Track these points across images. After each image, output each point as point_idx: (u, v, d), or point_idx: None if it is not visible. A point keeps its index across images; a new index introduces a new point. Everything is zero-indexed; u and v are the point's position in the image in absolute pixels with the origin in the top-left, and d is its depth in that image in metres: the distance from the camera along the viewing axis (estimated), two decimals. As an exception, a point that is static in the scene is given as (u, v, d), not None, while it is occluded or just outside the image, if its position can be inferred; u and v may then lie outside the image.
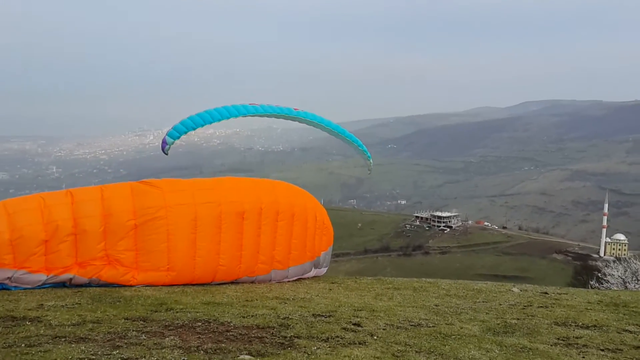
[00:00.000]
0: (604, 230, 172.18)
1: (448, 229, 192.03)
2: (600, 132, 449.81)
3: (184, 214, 11.94)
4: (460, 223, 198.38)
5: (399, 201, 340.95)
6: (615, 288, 34.00)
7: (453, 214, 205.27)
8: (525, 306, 10.71)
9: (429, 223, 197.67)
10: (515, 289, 12.93)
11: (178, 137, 13.46)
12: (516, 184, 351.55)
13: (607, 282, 35.00)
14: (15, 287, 10.56)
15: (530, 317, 9.54)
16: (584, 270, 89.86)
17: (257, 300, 10.10)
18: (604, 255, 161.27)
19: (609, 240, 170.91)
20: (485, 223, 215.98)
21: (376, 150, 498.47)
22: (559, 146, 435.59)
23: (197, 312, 8.53)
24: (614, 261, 42.55)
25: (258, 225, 12.95)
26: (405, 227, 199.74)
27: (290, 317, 8.41)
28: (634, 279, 34.65)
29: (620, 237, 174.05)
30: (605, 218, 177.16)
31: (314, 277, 14.66)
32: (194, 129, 13.30)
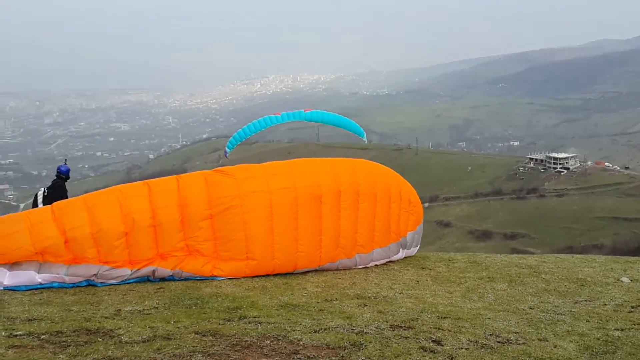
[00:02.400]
0: None
1: (565, 171, 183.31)
2: None
3: (259, 201, 11.70)
4: (579, 164, 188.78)
5: (511, 143, 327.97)
6: None
7: (570, 155, 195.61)
8: (633, 307, 9.56)
9: (544, 165, 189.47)
10: (625, 279, 11.64)
11: (232, 148, 16.38)
12: (639, 121, 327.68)
13: None
14: (101, 283, 10.77)
15: (637, 326, 8.46)
16: None
17: (335, 300, 9.66)
18: None
19: None
20: (606, 164, 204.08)
21: (484, 90, 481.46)
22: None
23: (270, 323, 8.20)
24: None
25: (337, 208, 12.46)
26: (519, 169, 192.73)
27: (365, 331, 7.89)
28: None
29: None
30: None
31: (405, 258, 14.02)
32: (242, 140, 16.01)
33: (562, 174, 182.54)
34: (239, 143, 16.27)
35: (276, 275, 11.74)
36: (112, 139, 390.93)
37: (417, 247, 14.53)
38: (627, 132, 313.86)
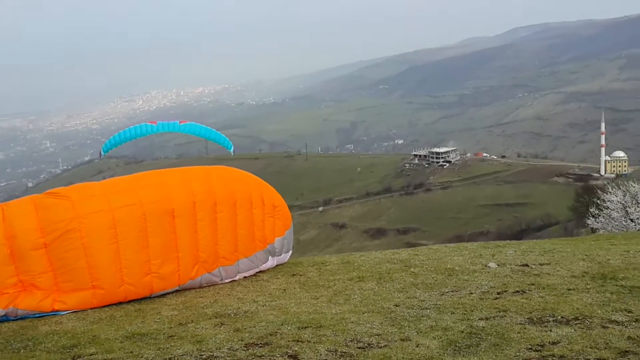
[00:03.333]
0: (603, 149, 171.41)
1: (447, 164, 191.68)
2: (593, 51, 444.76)
3: (99, 222, 10.50)
4: (459, 157, 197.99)
5: (396, 141, 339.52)
6: (616, 214, 33.08)
7: (451, 149, 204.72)
8: (499, 293, 9.43)
9: (428, 160, 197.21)
10: (492, 264, 11.62)
11: (106, 151, 15.99)
12: (511, 112, 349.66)
13: (607, 208, 34.06)
14: None
15: (502, 313, 8.27)
16: (585, 192, 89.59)
17: (190, 323, 8.80)
18: (605, 173, 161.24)
19: (609, 158, 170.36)
20: (484, 154, 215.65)
21: (368, 92, 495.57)
22: (552, 70, 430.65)
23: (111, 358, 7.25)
24: (611, 184, 41.52)
25: (193, 221, 11.53)
26: (405, 166, 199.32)
27: (215, 355, 7.13)
28: (634, 202, 33.72)
29: (620, 154, 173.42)
30: (603, 137, 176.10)
31: (277, 265, 13.36)
32: (117, 144, 15.71)
33: (444, 167, 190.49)
34: (114, 148, 16.07)
35: (130, 302, 10.62)
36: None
37: (289, 253, 13.88)
38: (501, 123, 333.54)
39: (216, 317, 9.03)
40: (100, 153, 16.82)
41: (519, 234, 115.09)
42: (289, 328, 8.09)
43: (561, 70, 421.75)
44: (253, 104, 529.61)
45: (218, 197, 11.98)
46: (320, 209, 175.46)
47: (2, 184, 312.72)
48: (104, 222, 10.52)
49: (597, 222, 33.81)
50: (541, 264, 11.54)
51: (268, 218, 13.08)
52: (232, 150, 17.18)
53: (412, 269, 11.73)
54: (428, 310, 8.61)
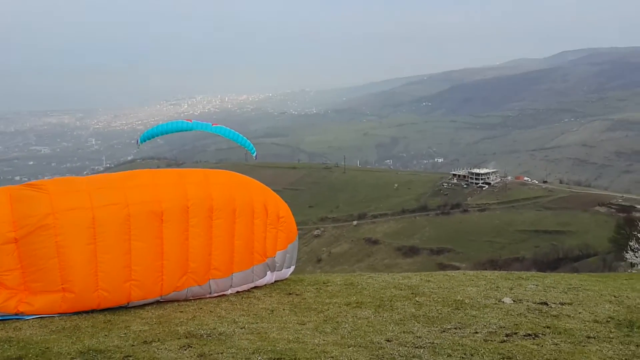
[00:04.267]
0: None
1: (486, 186, 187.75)
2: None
3: (77, 220, 9.63)
4: (499, 179, 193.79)
5: (435, 159, 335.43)
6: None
7: (491, 170, 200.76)
8: (507, 336, 8.26)
9: (467, 180, 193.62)
10: (507, 300, 10.43)
11: (143, 141, 16.49)
12: (556, 137, 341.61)
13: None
14: None
15: (506, 360, 7.15)
16: (627, 224, 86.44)
17: (156, 342, 7.92)
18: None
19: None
20: (525, 178, 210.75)
21: (410, 108, 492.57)
22: (600, 96, 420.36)
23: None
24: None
25: (184, 227, 10.61)
26: (443, 185, 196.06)
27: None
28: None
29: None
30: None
31: (277, 281, 12.40)
32: (154, 136, 16.28)
33: (483, 189, 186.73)
34: (150, 139, 16.66)
35: (103, 310, 9.76)
36: (31, 162, 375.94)
37: (291, 268, 12.90)
38: (545, 147, 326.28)
39: (186, 337, 8.12)
40: (137, 141, 17.32)
41: (555, 263, 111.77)
42: (258, 359, 7.13)
43: (609, 97, 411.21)
44: (295, 114, 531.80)
45: (215, 203, 11.06)
46: (355, 222, 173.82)
47: (46, 178, 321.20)
48: (82, 221, 9.66)
49: (637, 257, 32.07)
50: (562, 304, 10.29)
51: (271, 229, 12.11)
52: (254, 154, 17.54)
53: (417, 298, 10.64)
54: (422, 350, 7.53)
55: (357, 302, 10.36)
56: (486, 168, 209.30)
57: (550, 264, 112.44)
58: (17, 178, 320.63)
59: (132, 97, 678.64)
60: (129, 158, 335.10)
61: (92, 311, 9.68)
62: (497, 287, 11.92)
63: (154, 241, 10.27)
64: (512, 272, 15.59)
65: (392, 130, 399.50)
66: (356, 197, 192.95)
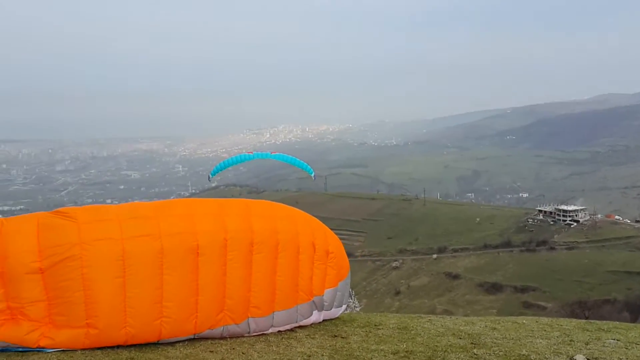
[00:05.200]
0: None
1: (575, 224, 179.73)
2: None
3: (106, 251, 9.09)
4: (588, 217, 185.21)
5: (520, 194, 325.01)
6: None
7: (580, 208, 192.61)
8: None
9: (554, 217, 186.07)
10: (580, 358, 9.06)
11: (215, 174, 18.81)
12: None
13: None
14: None
15: None
16: None
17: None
18: None
19: None
20: (617, 217, 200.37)
21: (493, 141, 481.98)
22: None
23: None
24: None
25: (222, 261, 9.92)
26: (528, 221, 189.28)
27: None
28: None
29: None
30: None
31: (325, 320, 11.48)
32: (225, 167, 18.56)
33: (572, 226, 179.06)
34: (219, 172, 18.75)
35: (131, 346, 9.15)
36: (122, 186, 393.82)
37: (342, 307, 11.92)
38: (637, 185, 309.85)
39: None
40: (208, 176, 19.14)
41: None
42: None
43: None
44: (375, 145, 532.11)
45: (256, 237, 10.32)
46: (435, 256, 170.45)
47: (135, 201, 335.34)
48: (111, 252, 9.13)
49: None
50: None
51: (319, 265, 11.24)
52: (313, 175, 18.63)
53: (476, 350, 9.43)
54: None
55: (406, 351, 9.28)
56: (574, 205, 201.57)
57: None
58: (109, 201, 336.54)
59: (218, 125, 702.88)
60: (213, 185, 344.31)
61: (118, 347, 9.10)
62: (571, 340, 10.52)
63: (188, 276, 9.62)
64: (593, 321, 13.96)
65: (474, 164, 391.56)
66: (436, 230, 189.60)
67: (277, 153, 18.77)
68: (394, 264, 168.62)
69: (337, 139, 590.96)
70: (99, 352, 8.86)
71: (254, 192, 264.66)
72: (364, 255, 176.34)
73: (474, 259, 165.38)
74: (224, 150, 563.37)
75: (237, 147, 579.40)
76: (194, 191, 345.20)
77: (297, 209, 11.87)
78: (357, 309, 27.15)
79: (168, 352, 9.01)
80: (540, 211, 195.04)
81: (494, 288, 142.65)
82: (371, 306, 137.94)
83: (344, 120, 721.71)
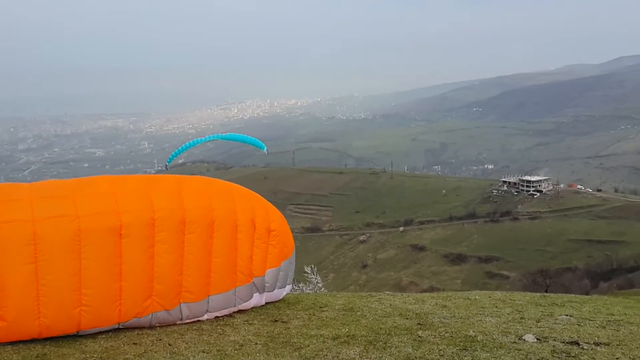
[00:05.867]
0: None
1: (538, 194, 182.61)
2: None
3: (13, 235, 8.19)
4: (551, 187, 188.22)
5: (485, 166, 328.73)
6: None
7: (543, 178, 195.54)
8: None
9: (518, 188, 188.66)
10: (529, 337, 8.61)
11: (170, 161, 19.01)
12: (612, 144, 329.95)
13: None
14: None
15: None
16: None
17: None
18: None
19: None
20: (579, 186, 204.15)
21: (460, 114, 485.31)
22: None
23: None
24: None
25: (149, 243, 9.10)
26: (492, 192, 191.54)
27: None
28: None
29: None
30: None
31: (268, 303, 10.87)
32: (180, 153, 18.19)
33: (535, 196, 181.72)
34: (174, 158, 18.67)
35: (46, 340, 8.36)
36: (86, 164, 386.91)
37: (286, 288, 11.28)
38: (600, 154, 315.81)
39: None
40: (166, 165, 19.57)
41: (609, 273, 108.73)
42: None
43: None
44: (343, 119, 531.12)
45: (189, 215, 9.51)
46: (401, 229, 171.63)
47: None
48: (21, 235, 8.21)
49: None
50: (597, 344, 8.42)
51: (259, 244, 10.53)
52: (265, 150, 18.32)
53: (421, 332, 8.92)
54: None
55: (347, 336, 8.72)
56: (538, 175, 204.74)
57: (603, 274, 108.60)
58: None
59: (183, 102, 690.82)
60: (180, 162, 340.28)
61: (33, 340, 8.31)
62: (522, 317, 10.12)
63: (110, 260, 8.78)
64: (548, 295, 13.68)
65: (442, 136, 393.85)
66: (403, 203, 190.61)
67: (228, 134, 19.51)
68: (361, 238, 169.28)
69: (305, 113, 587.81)
70: (9, 347, 8.05)
71: (222, 168, 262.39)
72: (331, 230, 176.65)
73: (439, 231, 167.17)
74: (190, 126, 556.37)
75: (204, 122, 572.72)
76: (159, 168, 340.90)
77: (236, 185, 11.10)
78: (320, 285, 26.60)
79: (86, 345, 8.27)
80: (504, 182, 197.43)
81: (459, 259, 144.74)
82: (338, 280, 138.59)
83: (313, 94, 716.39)
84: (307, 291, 23.24)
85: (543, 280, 72.03)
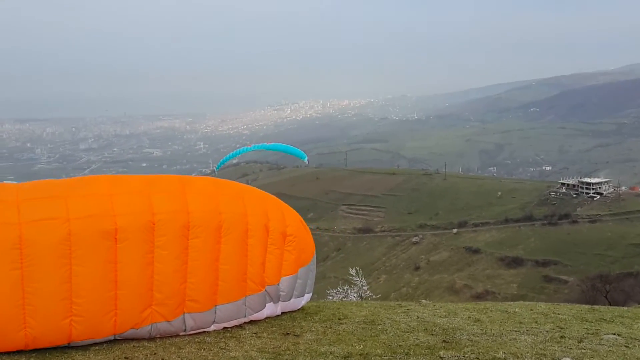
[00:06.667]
0: None
1: (598, 196, 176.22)
2: None
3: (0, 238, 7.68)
4: (612, 189, 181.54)
5: (543, 167, 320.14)
6: None
7: (604, 180, 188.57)
8: None
9: (577, 190, 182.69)
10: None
11: (219, 167, 21.03)
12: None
13: None
14: None
15: None
16: None
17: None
18: None
19: None
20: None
21: (516, 114, 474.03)
22: None
23: None
24: None
25: (148, 248, 8.49)
26: (550, 194, 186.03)
27: None
28: None
29: None
30: None
31: (284, 313, 10.11)
32: (228, 160, 20.34)
33: (595, 199, 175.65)
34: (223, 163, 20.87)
35: (32, 352, 7.78)
36: (144, 164, 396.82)
37: (305, 297, 10.46)
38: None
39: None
40: (214, 170, 21.49)
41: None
42: None
43: None
44: (396, 120, 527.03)
45: (193, 219, 8.86)
46: (455, 230, 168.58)
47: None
48: (5, 240, 7.70)
49: None
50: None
51: (273, 250, 9.78)
52: (306, 159, 18.82)
53: (443, 351, 8.02)
54: None
55: (360, 354, 7.90)
56: (598, 177, 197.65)
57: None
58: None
59: (238, 103, 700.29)
60: (234, 162, 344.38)
61: (18, 352, 7.78)
62: (562, 335, 9.07)
63: (104, 266, 8.20)
64: (598, 307, 12.47)
65: (497, 137, 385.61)
66: (457, 205, 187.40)
67: (271, 143, 20.32)
68: (413, 239, 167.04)
69: (358, 114, 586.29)
70: (-4, 357, 7.58)
71: (275, 168, 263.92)
72: (383, 231, 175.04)
73: (494, 233, 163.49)
74: (245, 127, 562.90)
75: (257, 123, 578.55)
76: (213, 168, 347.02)
77: (249, 186, 10.38)
78: (365, 288, 25.64)
79: (74, 359, 7.67)
80: (563, 184, 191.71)
81: (515, 262, 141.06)
82: (390, 282, 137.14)
83: (366, 95, 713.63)
84: (352, 294, 22.51)
85: (603, 286, 68.93)
